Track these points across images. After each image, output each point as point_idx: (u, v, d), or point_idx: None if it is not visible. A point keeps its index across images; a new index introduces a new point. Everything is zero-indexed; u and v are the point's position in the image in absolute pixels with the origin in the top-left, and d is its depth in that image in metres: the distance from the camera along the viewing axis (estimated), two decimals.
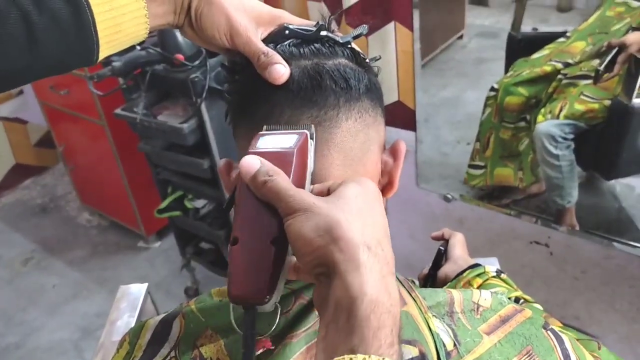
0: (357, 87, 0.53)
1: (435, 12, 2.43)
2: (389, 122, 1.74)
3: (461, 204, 1.81)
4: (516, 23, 1.87)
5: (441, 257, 0.91)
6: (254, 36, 0.53)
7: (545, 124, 1.57)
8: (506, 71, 1.84)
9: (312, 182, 0.48)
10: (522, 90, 1.68)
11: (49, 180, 3.33)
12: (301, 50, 0.53)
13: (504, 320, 0.50)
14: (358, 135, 0.52)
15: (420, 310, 0.50)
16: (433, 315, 0.50)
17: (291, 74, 0.51)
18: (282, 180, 0.41)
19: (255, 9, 0.55)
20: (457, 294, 0.53)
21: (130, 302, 1.03)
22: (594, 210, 1.72)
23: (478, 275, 0.79)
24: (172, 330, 0.52)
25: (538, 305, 0.72)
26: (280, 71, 0.51)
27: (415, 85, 1.65)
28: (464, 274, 0.80)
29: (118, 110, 1.78)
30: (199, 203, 2.01)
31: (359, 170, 0.52)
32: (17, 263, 2.70)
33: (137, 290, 1.06)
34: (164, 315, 0.54)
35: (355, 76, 0.53)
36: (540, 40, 1.76)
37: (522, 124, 1.73)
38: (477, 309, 0.53)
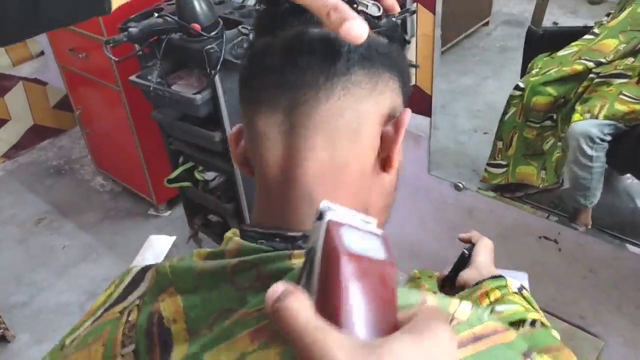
0: (347, 59, 0.47)
1: None
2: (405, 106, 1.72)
3: (472, 194, 1.78)
4: (537, 16, 1.81)
5: (464, 261, 0.86)
6: None
7: (583, 124, 1.51)
8: (524, 67, 1.78)
9: (283, 174, 0.47)
10: (550, 89, 1.62)
11: (66, 142, 3.36)
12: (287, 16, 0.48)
13: (477, 338, 0.43)
14: (344, 113, 0.48)
15: None
16: None
17: (270, 46, 0.47)
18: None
19: None
20: (431, 299, 0.47)
21: (156, 253, 1.04)
22: (609, 209, 1.68)
23: (498, 287, 0.75)
24: (143, 281, 0.52)
25: (555, 333, 0.68)
26: (358, 30, 0.43)
27: (434, 70, 1.61)
28: (484, 283, 0.76)
29: (133, 77, 1.77)
30: (209, 175, 2.01)
31: (349, 147, 0.48)
32: (30, 223, 2.74)
33: (165, 241, 1.07)
34: (146, 265, 0.54)
35: (345, 44, 0.47)
36: (562, 36, 1.71)
37: (548, 123, 1.68)
38: (451, 320, 0.46)
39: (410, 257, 1.98)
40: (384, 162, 0.50)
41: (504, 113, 1.72)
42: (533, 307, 0.73)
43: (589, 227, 1.58)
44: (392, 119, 0.50)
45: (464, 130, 2.25)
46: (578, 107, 1.55)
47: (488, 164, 1.82)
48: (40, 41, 3.06)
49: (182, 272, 0.49)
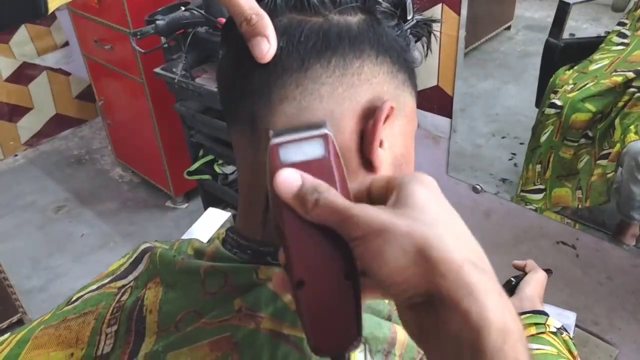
0: (297, 51, 0.42)
1: (484, 1, 2.37)
2: (425, 107, 1.73)
3: (490, 196, 1.78)
4: (557, 28, 1.75)
5: (509, 290, 0.80)
6: None
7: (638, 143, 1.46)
8: (541, 83, 1.74)
9: (253, 185, 0.45)
10: (589, 105, 1.57)
11: (87, 132, 3.41)
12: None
13: None
14: (304, 114, 0.42)
15: None
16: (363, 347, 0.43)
17: (223, 59, 0.45)
18: (335, 196, 0.33)
19: None
20: (402, 335, 0.45)
21: (207, 225, 1.07)
22: None
23: (535, 324, 0.70)
24: (141, 263, 0.53)
25: None
26: (263, 49, 0.41)
27: (456, 72, 1.62)
28: (522, 317, 0.71)
29: (158, 69, 1.80)
30: (229, 169, 2.03)
31: None
32: (50, 210, 2.79)
33: (220, 216, 1.10)
34: (150, 245, 0.55)
35: (295, 36, 0.42)
36: (581, 47, 1.66)
37: (583, 140, 1.63)
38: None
39: None
40: (367, 163, 0.44)
41: (536, 134, 1.66)
42: (564, 353, 0.69)
43: (635, 243, 1.55)
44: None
45: (482, 134, 2.25)
46: (632, 127, 1.49)
47: (523, 191, 1.74)
48: (66, 31, 3.10)
49: (166, 265, 0.49)
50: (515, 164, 1.98)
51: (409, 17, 0.47)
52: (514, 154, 2.07)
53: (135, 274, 0.52)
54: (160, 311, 0.46)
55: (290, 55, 0.42)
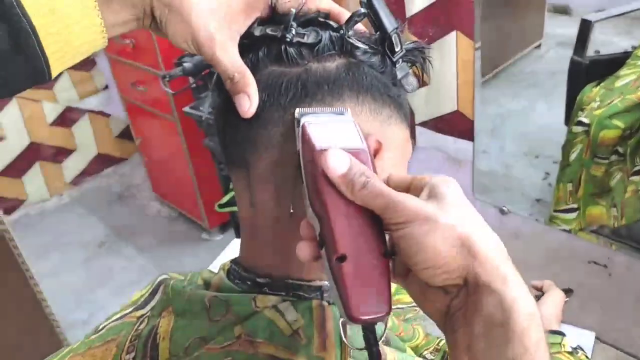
0: (283, 103, 0.45)
1: (511, 21, 2.38)
2: (447, 132, 1.74)
3: (517, 218, 1.77)
4: (581, 45, 1.74)
5: None
6: (221, 49, 0.45)
7: None
8: (569, 101, 1.73)
9: (250, 222, 0.49)
10: (617, 122, 1.55)
11: (127, 170, 3.54)
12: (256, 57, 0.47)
13: None
14: (287, 159, 0.45)
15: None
16: None
17: (214, 108, 0.48)
18: (381, 182, 0.37)
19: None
20: (391, 356, 0.47)
21: (234, 256, 1.13)
22: None
23: (552, 344, 0.72)
24: (157, 294, 0.57)
25: None
26: (244, 106, 0.45)
27: (475, 95, 1.64)
28: None
29: (186, 108, 1.89)
30: None
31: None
32: (92, 245, 2.90)
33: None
34: (166, 277, 0.58)
35: (276, 88, 0.45)
36: (607, 64, 1.64)
37: (615, 157, 1.60)
38: None
39: None
40: None
41: (566, 152, 1.66)
42: None
43: None
44: None
45: (513, 154, 2.24)
46: None
47: (556, 211, 1.72)
48: (105, 75, 3.27)
49: (177, 295, 0.53)
50: (549, 184, 1.96)
51: (397, 49, 0.49)
52: (547, 173, 2.05)
53: (152, 303, 0.56)
54: (171, 339, 0.49)
55: (272, 107, 0.45)
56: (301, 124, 0.41)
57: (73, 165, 3.36)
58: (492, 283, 0.35)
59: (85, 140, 3.37)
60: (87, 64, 3.21)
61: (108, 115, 3.41)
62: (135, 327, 0.54)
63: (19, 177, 3.14)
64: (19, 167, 3.11)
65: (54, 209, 3.26)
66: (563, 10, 2.77)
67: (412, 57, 0.51)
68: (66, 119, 3.24)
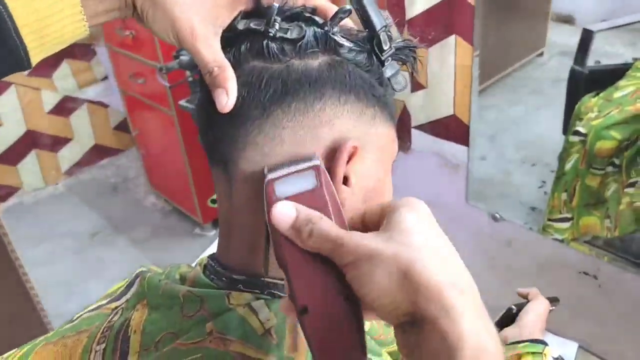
0: (263, 100, 0.44)
1: (515, 28, 2.38)
2: (443, 136, 1.74)
3: (511, 225, 1.76)
4: (581, 55, 1.72)
5: (510, 318, 0.81)
6: (202, 43, 0.44)
7: None
8: (567, 110, 1.73)
9: (228, 221, 0.48)
10: (614, 133, 1.55)
11: (123, 162, 3.53)
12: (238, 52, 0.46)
13: None
14: (265, 158, 0.45)
15: None
16: None
17: (196, 106, 0.48)
18: (328, 225, 0.36)
19: None
20: None
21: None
22: None
23: (533, 352, 0.71)
24: (133, 286, 0.57)
25: None
26: (222, 101, 0.44)
27: (472, 101, 1.63)
28: (519, 345, 0.72)
29: (182, 102, 1.88)
30: None
31: None
32: (86, 236, 2.90)
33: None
34: (144, 270, 0.58)
35: (255, 86, 0.44)
36: (607, 75, 1.63)
37: (610, 168, 1.61)
38: None
39: None
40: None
41: (562, 161, 1.65)
42: None
43: None
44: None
45: (512, 161, 2.23)
46: None
47: (549, 220, 1.72)
48: (105, 66, 3.26)
49: (152, 288, 0.52)
50: (545, 192, 1.96)
51: (385, 48, 0.48)
52: (544, 181, 2.05)
53: (128, 296, 0.56)
54: (143, 332, 0.49)
55: (251, 103, 0.44)
56: (265, 180, 0.40)
57: (69, 155, 3.36)
58: (436, 316, 0.32)
59: (83, 131, 3.36)
60: (87, 53, 3.20)
61: (107, 106, 3.40)
62: (109, 318, 0.54)
63: (14, 164, 3.13)
64: (14, 154, 3.10)
65: (49, 198, 3.25)
66: (567, 20, 2.77)
67: (403, 56, 0.50)
68: (64, 108, 3.23)
